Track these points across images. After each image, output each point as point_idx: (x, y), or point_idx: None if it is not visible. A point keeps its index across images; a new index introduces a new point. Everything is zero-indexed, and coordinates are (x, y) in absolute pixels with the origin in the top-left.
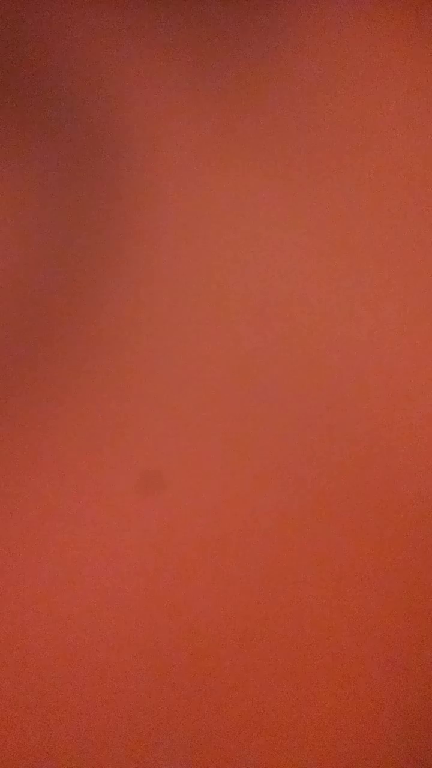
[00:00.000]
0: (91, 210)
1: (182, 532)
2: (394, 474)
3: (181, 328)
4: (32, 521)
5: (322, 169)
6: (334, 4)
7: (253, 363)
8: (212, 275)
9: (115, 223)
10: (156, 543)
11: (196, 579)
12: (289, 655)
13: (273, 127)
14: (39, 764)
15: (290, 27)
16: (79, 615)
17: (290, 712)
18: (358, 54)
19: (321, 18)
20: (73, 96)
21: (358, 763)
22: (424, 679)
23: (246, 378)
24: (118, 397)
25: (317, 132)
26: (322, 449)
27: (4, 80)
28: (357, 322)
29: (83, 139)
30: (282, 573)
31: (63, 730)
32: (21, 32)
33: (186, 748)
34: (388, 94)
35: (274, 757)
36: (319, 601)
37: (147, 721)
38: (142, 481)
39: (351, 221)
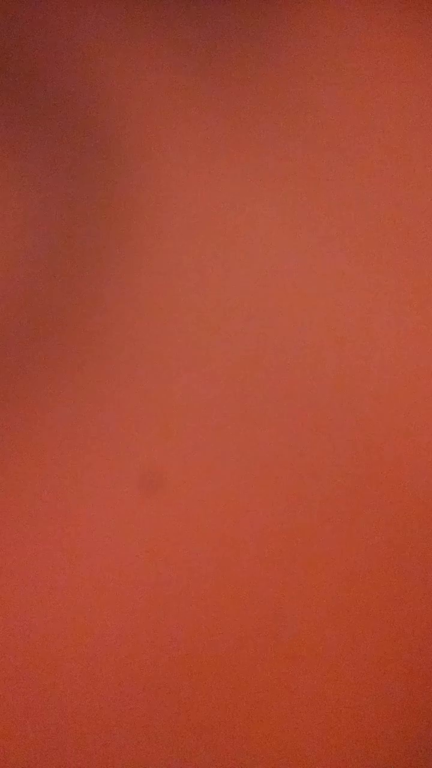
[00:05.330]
0: (90, 210)
1: (183, 532)
2: (396, 476)
3: (181, 328)
4: (31, 521)
5: (324, 170)
6: (335, 5)
7: (253, 362)
8: (212, 275)
9: (114, 223)
10: (156, 542)
11: (196, 578)
12: (290, 653)
13: (274, 128)
14: (38, 763)
15: (292, 27)
16: (78, 614)
17: (290, 711)
18: (360, 55)
19: (322, 18)
20: (72, 95)
21: (357, 764)
22: (424, 682)
23: (246, 377)
24: (117, 397)
25: (319, 133)
26: (323, 446)
27: (2, 80)
28: (358, 322)
29: (82, 139)
30: (283, 572)
31: (62, 731)
32: (20, 32)
33: (185, 748)
34: (390, 93)
35: (274, 757)
36: (320, 600)
37: (146, 722)
38: (141, 480)
39: (353, 222)
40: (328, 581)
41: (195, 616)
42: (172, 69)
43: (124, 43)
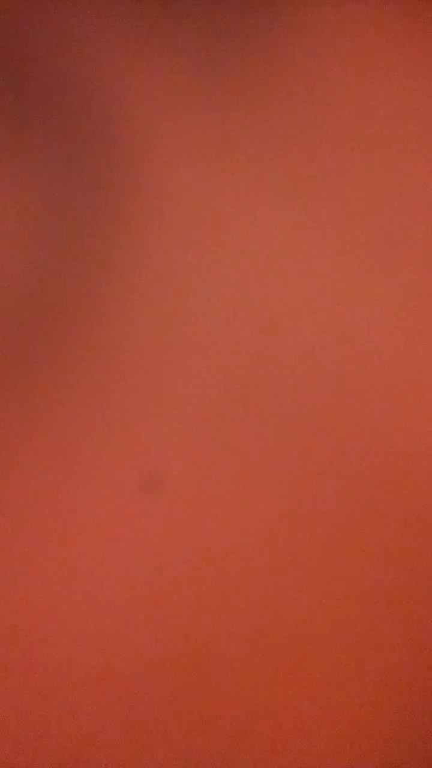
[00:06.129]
0: (90, 209)
1: (183, 533)
2: (397, 481)
3: (182, 329)
4: (31, 521)
5: (324, 169)
6: (335, 5)
7: (253, 363)
8: (213, 277)
9: (113, 223)
10: (156, 544)
11: (196, 579)
12: (289, 656)
13: (274, 127)
14: (39, 761)
15: (292, 27)
16: (78, 614)
17: (289, 714)
18: (360, 55)
19: (322, 18)
20: (73, 94)
21: (357, 762)
22: (424, 685)
23: (247, 378)
24: (117, 398)
25: (319, 133)
26: (323, 449)
27: (2, 82)
28: (358, 323)
29: (82, 138)
30: (283, 572)
31: (61, 733)
32: (20, 31)
33: (184, 752)
34: (391, 93)
35: (273, 760)
36: (320, 599)
37: (146, 724)
38: (141, 482)
39: (354, 222)
40: (328, 581)
41: (195, 616)
42: (172, 68)
43: (124, 42)
